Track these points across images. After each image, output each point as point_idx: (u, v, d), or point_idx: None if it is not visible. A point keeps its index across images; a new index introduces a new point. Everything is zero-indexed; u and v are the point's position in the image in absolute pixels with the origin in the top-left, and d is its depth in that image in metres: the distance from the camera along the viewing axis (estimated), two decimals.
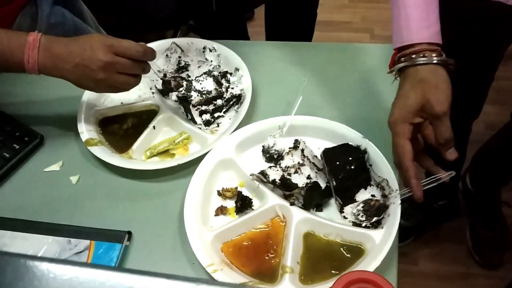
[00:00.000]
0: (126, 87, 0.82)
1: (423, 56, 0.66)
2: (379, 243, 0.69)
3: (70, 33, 1.07)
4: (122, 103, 0.93)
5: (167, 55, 0.98)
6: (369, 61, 0.95)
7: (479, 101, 1.22)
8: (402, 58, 0.68)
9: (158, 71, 0.87)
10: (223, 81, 0.91)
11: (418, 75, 0.66)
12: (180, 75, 0.93)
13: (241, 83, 0.91)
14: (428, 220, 1.54)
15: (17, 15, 0.97)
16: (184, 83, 0.90)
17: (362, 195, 0.75)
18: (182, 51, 0.98)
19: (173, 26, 2.15)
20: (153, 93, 0.92)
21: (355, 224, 0.72)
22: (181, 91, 0.89)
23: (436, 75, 0.66)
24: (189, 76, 0.93)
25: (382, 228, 0.70)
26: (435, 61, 0.66)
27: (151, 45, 0.95)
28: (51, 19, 1.03)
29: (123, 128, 0.90)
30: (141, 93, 0.94)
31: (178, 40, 0.98)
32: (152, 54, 0.80)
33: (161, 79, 0.89)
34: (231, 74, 0.93)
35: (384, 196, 0.74)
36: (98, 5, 1.56)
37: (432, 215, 1.54)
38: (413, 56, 0.67)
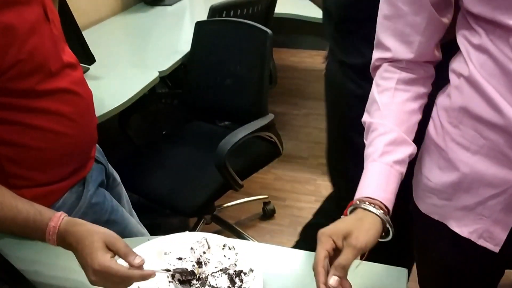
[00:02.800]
0: None
1: (372, 205, 0.83)
2: None
3: (106, 212, 1.18)
4: (138, 286, 0.98)
5: (192, 248, 1.05)
6: (377, 281, 0.99)
7: None
8: (358, 202, 0.84)
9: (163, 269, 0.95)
10: (236, 279, 0.97)
11: (357, 215, 0.82)
12: (190, 270, 0.99)
13: (254, 283, 0.96)
14: None
15: (65, 193, 1.10)
16: (191, 270, 0.97)
17: None
18: (209, 248, 1.05)
19: (195, 215, 2.28)
20: (169, 282, 0.97)
21: None
22: (196, 284, 0.94)
23: (370, 221, 0.81)
24: (201, 274, 0.98)
25: None
26: (377, 213, 0.82)
27: (183, 235, 1.05)
28: (92, 199, 1.15)
29: None
30: (158, 280, 0.99)
31: (208, 236, 1.06)
32: (140, 278, 0.85)
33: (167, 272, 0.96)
34: (245, 274, 0.99)
35: None
36: (133, 187, 1.71)
37: None
38: (366, 203, 0.83)
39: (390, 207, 0.85)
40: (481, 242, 0.92)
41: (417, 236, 1.12)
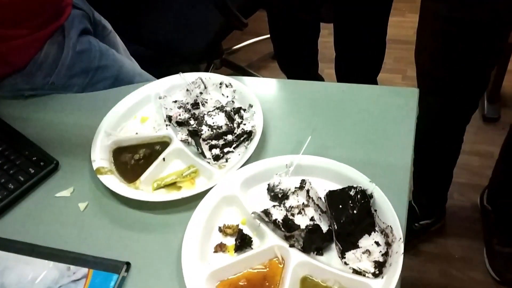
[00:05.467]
0: None
1: None
2: None
3: (95, 59, 1.10)
4: (136, 133, 0.95)
5: (187, 89, 0.99)
6: (384, 104, 0.93)
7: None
8: None
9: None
10: (236, 117, 0.92)
11: None
12: (192, 112, 0.94)
13: (253, 119, 0.91)
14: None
15: (44, 43, 1.02)
16: (192, 121, 0.92)
17: (366, 241, 0.73)
18: (206, 88, 0.99)
19: (204, 61, 2.20)
20: (167, 125, 0.94)
21: (355, 272, 0.70)
22: (193, 125, 0.90)
23: None
24: (200, 113, 0.94)
25: (383, 278, 0.68)
26: None
27: (176, 77, 1.01)
28: (77, 48, 1.07)
29: (134, 159, 0.91)
30: (155, 125, 0.96)
31: (202, 75, 1.00)
32: None
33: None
34: (244, 110, 0.94)
35: (388, 243, 0.71)
36: (131, 36, 1.61)
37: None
38: None
39: None
40: None
41: None
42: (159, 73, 1.35)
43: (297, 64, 1.78)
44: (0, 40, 0.95)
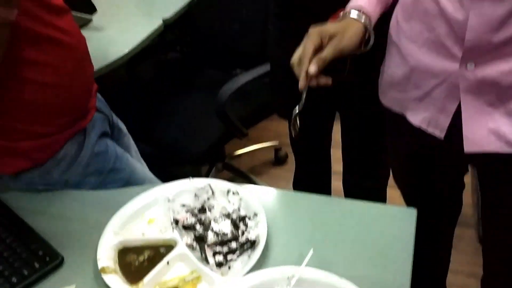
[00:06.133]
0: None
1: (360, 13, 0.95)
2: None
3: (110, 161, 1.16)
4: (143, 234, 0.98)
5: (196, 194, 1.04)
6: (383, 222, 0.97)
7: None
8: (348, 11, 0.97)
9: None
10: (240, 224, 0.95)
11: (346, 22, 0.95)
12: (199, 217, 0.98)
13: (258, 228, 0.94)
14: None
15: (65, 143, 1.08)
16: (198, 226, 0.95)
17: None
18: (213, 193, 1.03)
19: (206, 163, 2.27)
20: (173, 228, 0.97)
21: None
22: (199, 230, 0.93)
23: (355, 29, 0.93)
24: (206, 218, 0.97)
25: None
26: (362, 21, 0.95)
27: (186, 182, 1.05)
28: (95, 149, 1.13)
29: (139, 260, 0.93)
30: (162, 227, 0.99)
31: (212, 183, 1.05)
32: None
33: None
34: (249, 218, 0.97)
35: None
36: (139, 136, 1.69)
37: None
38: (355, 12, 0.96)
39: (374, 20, 0.98)
40: (430, 130, 1.02)
41: (387, 131, 1.24)
42: (163, 173, 1.40)
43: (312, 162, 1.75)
44: (31, 137, 1.01)
